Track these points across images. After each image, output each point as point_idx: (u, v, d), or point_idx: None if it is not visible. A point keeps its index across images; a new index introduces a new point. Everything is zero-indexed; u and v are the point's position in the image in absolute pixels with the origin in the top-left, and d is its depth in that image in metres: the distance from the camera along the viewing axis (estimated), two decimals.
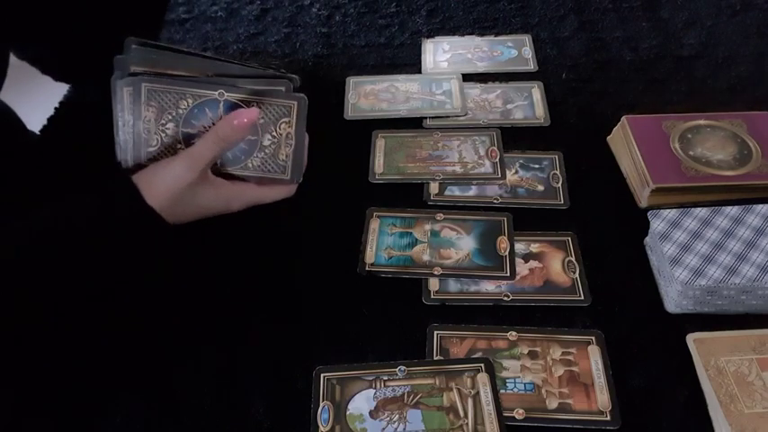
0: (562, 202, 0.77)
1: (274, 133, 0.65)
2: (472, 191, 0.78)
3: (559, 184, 0.78)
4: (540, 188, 0.78)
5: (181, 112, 0.64)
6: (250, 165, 0.67)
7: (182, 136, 0.65)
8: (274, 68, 0.65)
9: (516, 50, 0.97)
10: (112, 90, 0.64)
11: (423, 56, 0.97)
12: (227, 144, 0.64)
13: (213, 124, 0.65)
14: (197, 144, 0.64)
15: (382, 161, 0.82)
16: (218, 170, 0.67)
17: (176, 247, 0.73)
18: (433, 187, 0.79)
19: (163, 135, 0.65)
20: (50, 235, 0.60)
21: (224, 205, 0.67)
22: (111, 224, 0.62)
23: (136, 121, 0.65)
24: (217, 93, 0.63)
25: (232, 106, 0.64)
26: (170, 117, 0.64)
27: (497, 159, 0.81)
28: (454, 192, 0.78)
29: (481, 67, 0.95)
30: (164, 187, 0.63)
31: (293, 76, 0.65)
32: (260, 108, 0.64)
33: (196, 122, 0.65)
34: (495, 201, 0.77)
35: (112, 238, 0.62)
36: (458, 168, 0.80)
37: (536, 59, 0.96)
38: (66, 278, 0.61)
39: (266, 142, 0.65)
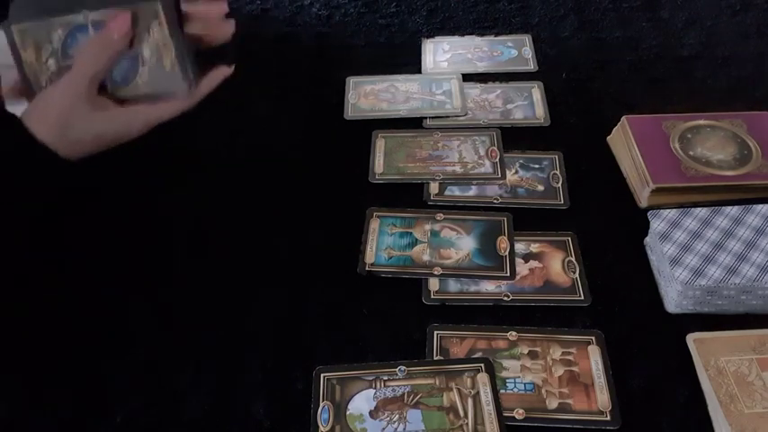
0: (562, 202, 0.77)
1: (150, 42, 0.62)
2: (472, 191, 0.78)
3: (559, 184, 0.78)
4: (540, 188, 0.78)
5: (56, 45, 0.62)
6: (140, 82, 0.63)
7: (66, 69, 0.62)
8: None
9: (516, 50, 0.97)
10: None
11: (423, 56, 0.97)
12: (106, 58, 0.61)
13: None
14: (77, 61, 0.61)
15: (382, 161, 0.82)
16: (112, 96, 0.64)
17: (175, 246, 0.73)
18: (433, 187, 0.79)
19: (48, 73, 0.63)
20: None
21: (123, 130, 0.64)
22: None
23: (19, 65, 0.63)
24: (81, 16, 0.61)
25: (100, 26, 0.62)
26: (48, 53, 0.62)
27: (497, 159, 0.81)
28: (454, 192, 0.78)
29: (481, 67, 0.95)
30: (50, 112, 0.60)
31: None
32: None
33: (73, 51, 0.62)
34: (495, 201, 0.77)
35: (6, 182, 0.59)
36: (458, 168, 0.80)
37: (536, 59, 0.96)
38: None
39: (146, 54, 0.62)
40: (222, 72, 0.67)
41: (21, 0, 0.63)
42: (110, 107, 0.63)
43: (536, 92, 0.91)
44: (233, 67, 0.67)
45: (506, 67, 0.95)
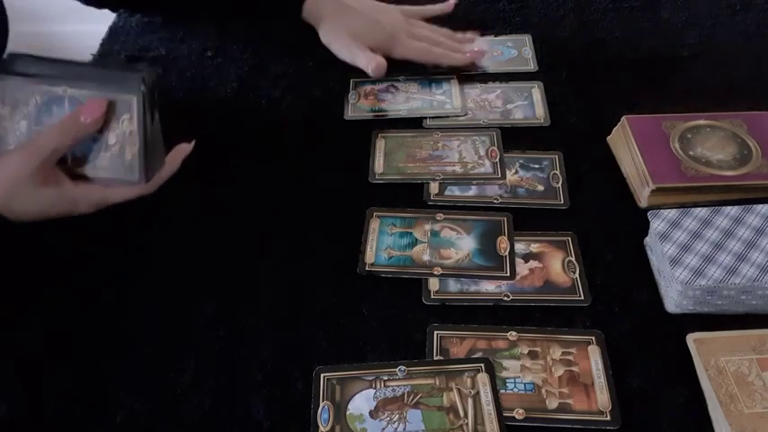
0: (562, 202, 0.77)
1: (118, 131, 0.63)
2: (472, 191, 0.78)
3: (559, 184, 0.78)
4: (540, 188, 0.78)
5: (31, 109, 0.64)
6: (99, 165, 0.65)
7: (34, 134, 0.64)
8: (135, 66, 0.63)
9: (516, 50, 0.97)
10: None
11: None
12: (70, 139, 0.63)
13: None
14: (39, 136, 0.63)
15: (382, 161, 0.82)
16: (70, 170, 0.65)
17: (175, 245, 0.73)
18: (433, 187, 0.79)
19: (18, 133, 0.65)
20: None
21: (68, 206, 0.65)
22: None
23: None
24: (61, 89, 0.63)
25: (76, 104, 0.63)
26: (22, 114, 0.64)
27: (497, 159, 0.81)
28: (454, 192, 0.78)
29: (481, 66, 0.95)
30: (1, 178, 0.61)
31: (146, 71, 0.63)
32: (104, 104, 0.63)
33: (45, 120, 0.64)
34: (495, 201, 0.77)
35: None
36: (458, 168, 0.80)
37: (536, 59, 0.96)
38: None
39: (111, 141, 0.64)
40: (182, 151, 0.70)
41: (11, 56, 0.65)
42: (62, 183, 0.64)
43: (536, 92, 0.90)
44: (192, 142, 0.70)
45: (506, 67, 0.95)
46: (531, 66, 0.95)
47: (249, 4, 0.94)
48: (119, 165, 0.64)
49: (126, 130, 0.63)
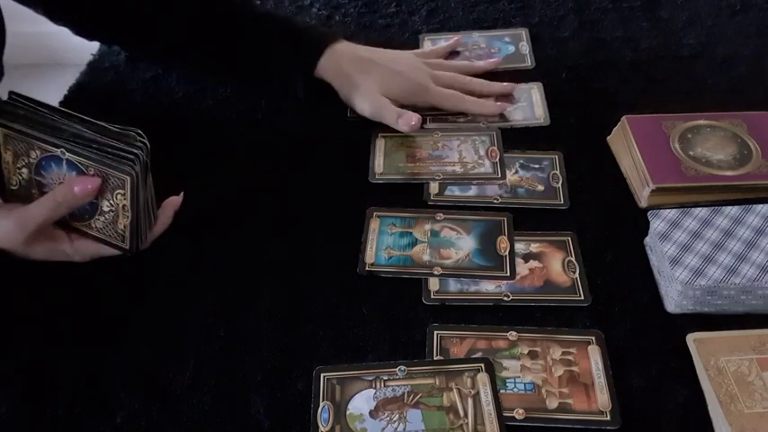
0: (562, 202, 0.77)
1: (112, 201, 0.65)
2: (472, 191, 0.78)
3: (559, 184, 0.78)
4: (540, 188, 0.78)
5: (32, 161, 0.66)
6: (93, 225, 0.67)
7: (35, 183, 0.67)
8: (129, 137, 0.64)
9: (514, 46, 0.97)
10: None
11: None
12: (64, 209, 0.65)
13: (60, 180, 0.66)
14: (33, 205, 0.65)
15: (382, 161, 0.82)
16: (68, 224, 0.68)
17: (175, 245, 0.73)
18: (433, 187, 0.79)
19: (20, 178, 0.67)
20: None
21: (63, 257, 0.68)
22: None
23: None
24: (59, 150, 0.64)
25: (73, 167, 0.65)
26: (23, 163, 0.66)
27: (497, 159, 0.81)
28: (454, 192, 0.78)
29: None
30: None
31: (140, 147, 0.63)
32: (99, 175, 0.64)
33: (45, 174, 0.66)
34: (495, 201, 0.77)
35: None
36: (458, 168, 0.80)
37: (533, 55, 0.95)
38: None
39: (105, 208, 0.66)
40: (172, 204, 0.71)
41: (13, 99, 0.66)
42: (58, 239, 0.67)
43: (536, 92, 0.90)
44: (181, 194, 0.71)
45: (504, 65, 0.94)
46: (529, 62, 0.95)
47: (255, 65, 0.89)
48: (111, 231, 0.67)
49: (119, 203, 0.65)
